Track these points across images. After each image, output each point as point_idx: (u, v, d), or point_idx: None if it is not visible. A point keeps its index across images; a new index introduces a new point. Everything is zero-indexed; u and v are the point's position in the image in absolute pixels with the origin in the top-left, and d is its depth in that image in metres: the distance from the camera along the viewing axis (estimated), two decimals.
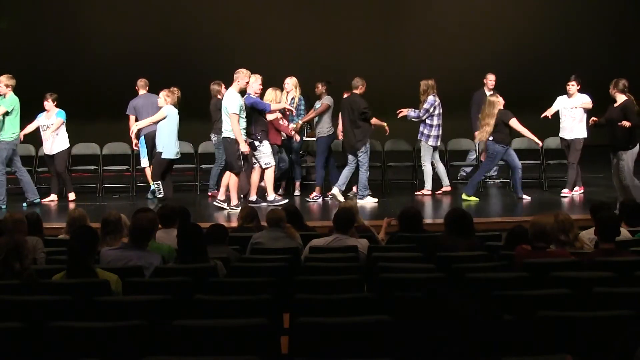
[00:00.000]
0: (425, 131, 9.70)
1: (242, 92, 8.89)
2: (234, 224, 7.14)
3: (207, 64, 13.55)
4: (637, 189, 8.29)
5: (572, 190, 9.54)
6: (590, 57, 14.50)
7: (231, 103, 8.63)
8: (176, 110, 8.96)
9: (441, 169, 9.82)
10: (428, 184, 9.80)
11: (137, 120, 9.60)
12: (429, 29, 14.60)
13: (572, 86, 9.52)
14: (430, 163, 9.76)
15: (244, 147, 8.61)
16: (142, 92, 9.96)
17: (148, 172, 9.80)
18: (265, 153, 9.02)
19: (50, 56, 14.21)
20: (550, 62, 13.95)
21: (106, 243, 5.32)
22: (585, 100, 9.55)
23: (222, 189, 8.99)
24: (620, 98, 8.45)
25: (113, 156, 10.46)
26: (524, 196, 9.33)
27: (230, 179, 8.86)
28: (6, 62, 14.42)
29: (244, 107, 8.76)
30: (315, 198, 9.51)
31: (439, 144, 9.81)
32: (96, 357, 3.41)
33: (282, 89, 9.74)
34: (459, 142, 10.89)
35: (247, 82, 8.85)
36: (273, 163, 9.07)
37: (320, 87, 9.75)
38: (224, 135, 8.81)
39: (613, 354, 2.67)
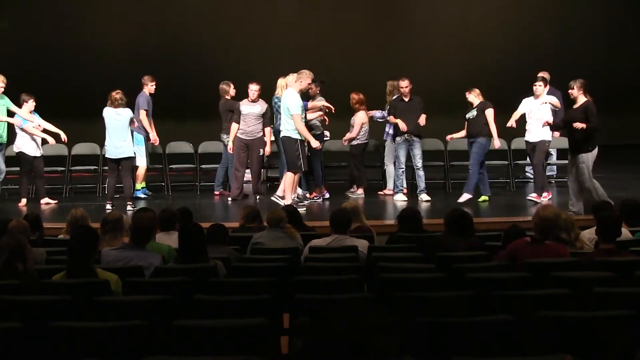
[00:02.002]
0: (390, 131, 9.70)
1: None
2: (235, 224, 7.13)
3: (206, 64, 13.56)
4: (597, 191, 8.10)
5: (541, 195, 9.15)
6: (588, 58, 14.51)
7: (292, 104, 8.64)
8: (112, 111, 9.05)
9: (392, 172, 9.84)
10: (390, 184, 9.86)
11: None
12: (430, 31, 14.60)
13: (539, 87, 9.22)
14: (392, 163, 9.77)
15: (315, 143, 8.70)
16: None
17: (142, 171, 9.85)
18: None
19: (50, 56, 14.21)
20: (550, 64, 13.93)
21: (106, 243, 5.33)
22: (554, 100, 9.26)
23: (282, 187, 8.98)
24: (582, 98, 8.20)
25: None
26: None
27: (287, 178, 8.83)
28: (6, 62, 14.46)
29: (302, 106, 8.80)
30: (315, 198, 9.51)
31: None
32: (96, 357, 3.41)
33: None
34: (459, 143, 10.86)
35: (309, 84, 8.90)
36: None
37: (314, 88, 9.70)
38: (283, 134, 8.80)
39: (613, 354, 2.67)
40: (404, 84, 9.41)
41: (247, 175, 9.84)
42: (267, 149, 9.57)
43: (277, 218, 5.98)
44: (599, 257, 4.93)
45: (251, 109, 9.43)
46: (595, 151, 8.24)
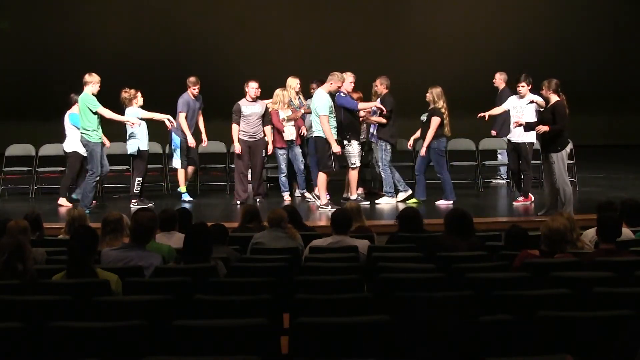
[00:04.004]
0: (376, 132, 9.64)
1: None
2: (235, 223, 7.14)
3: (205, 64, 13.57)
4: (566, 193, 8.02)
5: (526, 198, 9.08)
6: (588, 59, 14.54)
7: (321, 104, 8.72)
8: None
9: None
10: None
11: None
12: (431, 30, 14.62)
13: (522, 87, 9.00)
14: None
15: (336, 148, 8.67)
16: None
17: (180, 174, 9.68)
18: (353, 153, 9.09)
19: (50, 56, 14.24)
20: (549, 65, 13.96)
21: (106, 243, 5.33)
22: (539, 99, 8.86)
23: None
24: (553, 98, 8.12)
25: (113, 156, 10.44)
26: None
27: (319, 178, 8.89)
28: (6, 62, 14.50)
29: (332, 107, 8.81)
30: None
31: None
32: (96, 357, 3.41)
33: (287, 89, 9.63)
34: (459, 142, 10.88)
35: (339, 87, 8.95)
36: (359, 163, 9.15)
37: (316, 87, 9.67)
38: (315, 134, 8.86)
39: (613, 354, 2.67)
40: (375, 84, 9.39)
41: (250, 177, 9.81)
42: (270, 148, 9.47)
43: (278, 218, 5.97)
44: (599, 257, 4.93)
45: (253, 109, 9.33)
46: (567, 150, 8.18)
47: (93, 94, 8.83)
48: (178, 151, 9.56)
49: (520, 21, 14.75)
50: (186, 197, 9.61)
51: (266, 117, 9.42)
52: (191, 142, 9.50)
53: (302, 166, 9.51)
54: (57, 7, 14.44)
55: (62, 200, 9.29)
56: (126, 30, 14.41)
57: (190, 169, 9.79)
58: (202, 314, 3.95)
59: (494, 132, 10.62)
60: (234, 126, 9.38)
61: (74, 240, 4.52)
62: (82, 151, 9.31)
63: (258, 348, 3.40)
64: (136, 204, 9.08)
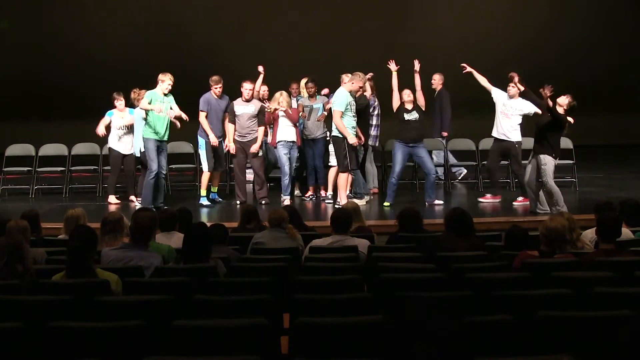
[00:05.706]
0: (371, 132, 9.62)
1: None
2: (235, 223, 7.14)
3: (206, 64, 13.56)
4: (557, 193, 8.08)
5: (526, 198, 8.94)
6: (588, 59, 14.53)
7: (337, 100, 8.80)
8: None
9: (372, 171, 9.80)
10: (374, 182, 9.93)
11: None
12: (431, 31, 14.61)
13: (512, 88, 8.96)
14: (369, 162, 9.76)
15: (352, 139, 8.69)
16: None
17: (204, 176, 9.42)
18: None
19: (49, 56, 14.24)
20: (550, 63, 13.97)
21: (105, 243, 5.32)
22: (530, 107, 8.86)
23: (330, 186, 9.25)
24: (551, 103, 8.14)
25: None
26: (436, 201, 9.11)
27: (339, 178, 8.92)
28: (6, 62, 14.50)
29: (352, 105, 8.84)
30: (320, 198, 9.50)
31: (377, 144, 9.77)
32: (96, 357, 3.41)
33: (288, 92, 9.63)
34: (459, 142, 10.88)
35: (361, 87, 9.02)
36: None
37: (313, 87, 9.65)
38: (333, 133, 8.90)
39: (613, 354, 2.67)
40: None
41: (249, 176, 9.78)
42: (256, 146, 9.28)
43: (279, 218, 5.98)
44: (599, 257, 4.93)
45: (244, 109, 9.26)
46: (556, 161, 8.22)
47: (164, 93, 8.86)
48: (203, 152, 9.36)
49: (520, 21, 14.75)
50: (204, 201, 9.33)
51: (260, 117, 9.33)
52: (213, 140, 9.23)
53: (286, 169, 9.31)
54: (58, 7, 14.43)
55: (111, 198, 9.42)
56: (127, 30, 14.40)
57: (216, 174, 9.55)
58: (202, 314, 3.95)
59: (445, 134, 10.52)
60: (230, 125, 9.31)
61: (73, 240, 4.52)
62: (122, 150, 9.48)
63: (258, 348, 3.40)
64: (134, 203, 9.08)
